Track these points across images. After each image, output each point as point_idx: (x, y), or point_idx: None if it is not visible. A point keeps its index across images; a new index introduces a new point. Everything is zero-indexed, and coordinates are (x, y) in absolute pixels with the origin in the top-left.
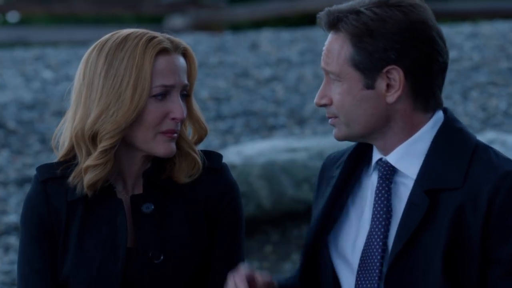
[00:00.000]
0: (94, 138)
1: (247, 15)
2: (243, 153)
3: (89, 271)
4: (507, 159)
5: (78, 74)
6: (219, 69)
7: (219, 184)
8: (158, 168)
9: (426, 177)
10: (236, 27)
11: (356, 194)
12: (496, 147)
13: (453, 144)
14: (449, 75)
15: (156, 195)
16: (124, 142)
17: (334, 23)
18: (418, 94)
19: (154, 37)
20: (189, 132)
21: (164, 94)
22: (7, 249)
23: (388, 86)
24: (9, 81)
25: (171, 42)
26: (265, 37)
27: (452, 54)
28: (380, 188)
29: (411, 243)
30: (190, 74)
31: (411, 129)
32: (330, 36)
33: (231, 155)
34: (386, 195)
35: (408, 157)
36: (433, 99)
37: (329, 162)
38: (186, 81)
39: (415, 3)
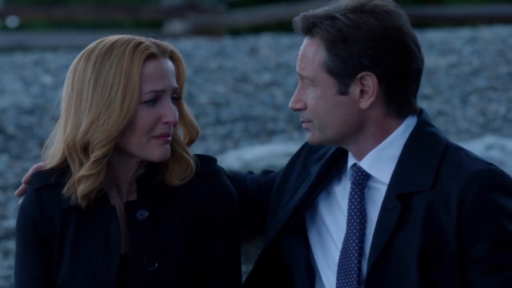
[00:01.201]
0: (86, 148)
1: (246, 20)
2: (242, 158)
3: (84, 278)
4: (477, 159)
5: (67, 84)
6: (218, 74)
7: (214, 188)
8: (151, 173)
9: (397, 182)
10: (236, 32)
11: (328, 202)
12: (496, 152)
13: (423, 148)
14: (449, 80)
15: (150, 201)
16: (117, 149)
17: (309, 28)
18: (391, 100)
19: (140, 43)
20: (180, 133)
21: (155, 99)
22: (6, 253)
23: (362, 92)
24: (9, 86)
25: (158, 46)
26: (264, 42)
27: (451, 58)
28: (353, 193)
29: (387, 250)
30: (179, 77)
31: (382, 135)
32: (305, 41)
33: (231, 160)
34: (359, 200)
35: (380, 162)
36: (406, 105)
37: (312, 147)
38: (175, 84)
39: (390, 9)
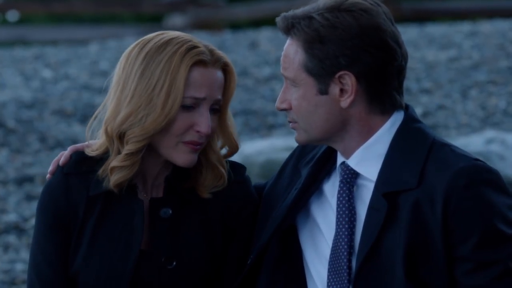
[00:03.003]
0: (121, 137)
1: (246, 14)
2: (242, 152)
3: (99, 268)
4: (463, 155)
5: (118, 67)
6: None
7: (240, 196)
8: (181, 174)
9: (383, 180)
10: (236, 26)
11: (319, 201)
12: (496, 146)
13: (409, 145)
14: (449, 74)
15: (175, 200)
16: (148, 144)
17: (288, 29)
18: (373, 98)
19: (195, 47)
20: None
21: (193, 106)
22: (6, 248)
23: (342, 91)
24: (9, 80)
25: (212, 54)
26: (265, 36)
27: (452, 52)
28: (341, 191)
29: (375, 248)
30: (227, 90)
31: (368, 132)
32: (287, 41)
33: None
34: (347, 198)
35: (367, 160)
36: (389, 101)
37: (303, 149)
38: (218, 96)
39: (367, 7)
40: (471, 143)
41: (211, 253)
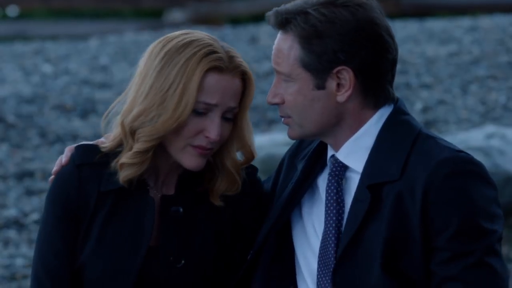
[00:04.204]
0: (133, 134)
1: (246, 8)
2: None
3: (106, 262)
4: (446, 147)
5: (141, 61)
6: None
7: (252, 196)
8: (195, 173)
9: (368, 172)
10: (236, 20)
11: (312, 196)
12: (496, 141)
13: (395, 137)
14: (449, 69)
15: (186, 199)
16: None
17: (282, 24)
18: (368, 92)
19: (213, 52)
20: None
21: (204, 111)
22: (6, 243)
23: (339, 85)
24: (9, 75)
25: (230, 61)
26: (265, 30)
27: (452, 47)
28: (330, 184)
29: (356, 239)
30: (244, 98)
31: (358, 126)
32: (279, 35)
33: None
34: (335, 191)
35: (355, 152)
36: (382, 95)
37: (299, 145)
38: (232, 104)
39: (362, 1)
40: (471, 138)
41: (220, 253)
